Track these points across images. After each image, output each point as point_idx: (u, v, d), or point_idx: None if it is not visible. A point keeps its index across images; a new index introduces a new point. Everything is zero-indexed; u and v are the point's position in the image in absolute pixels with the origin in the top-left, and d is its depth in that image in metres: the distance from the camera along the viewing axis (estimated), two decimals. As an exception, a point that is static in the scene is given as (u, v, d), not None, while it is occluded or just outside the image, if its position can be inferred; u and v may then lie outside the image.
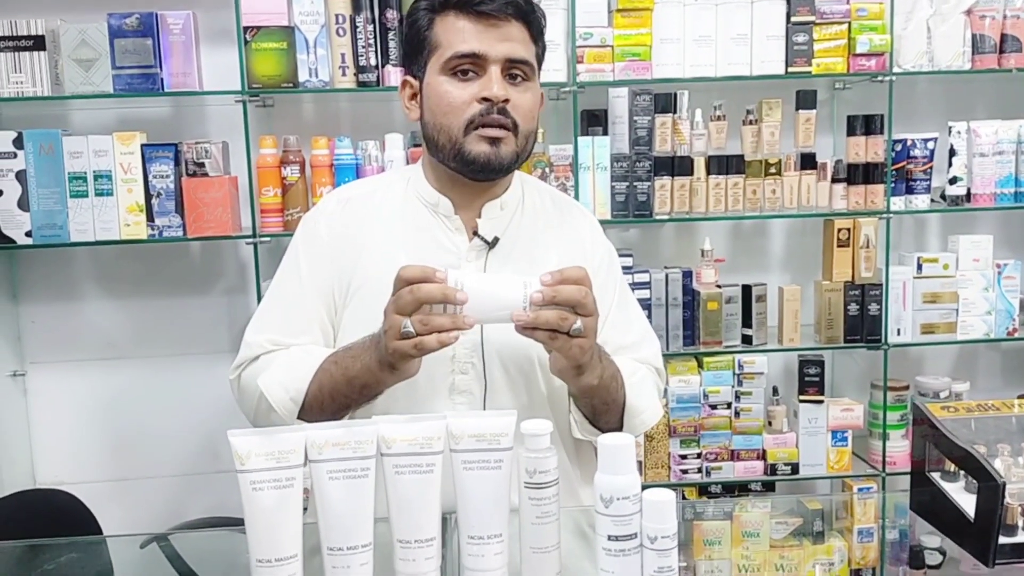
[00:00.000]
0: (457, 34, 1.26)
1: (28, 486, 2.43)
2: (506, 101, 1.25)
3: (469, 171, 1.28)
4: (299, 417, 1.26)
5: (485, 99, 1.25)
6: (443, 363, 1.29)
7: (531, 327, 1.11)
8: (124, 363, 2.50)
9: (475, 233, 1.33)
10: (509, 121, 1.26)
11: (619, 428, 1.32)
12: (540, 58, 1.34)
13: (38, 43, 2.17)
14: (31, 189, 2.17)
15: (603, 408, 1.30)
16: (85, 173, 2.18)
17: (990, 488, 1.04)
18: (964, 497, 1.12)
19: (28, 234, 2.19)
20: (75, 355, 2.49)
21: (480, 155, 1.26)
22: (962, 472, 1.16)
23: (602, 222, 1.52)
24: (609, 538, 0.95)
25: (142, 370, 2.50)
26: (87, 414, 2.51)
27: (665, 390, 2.37)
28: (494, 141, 1.26)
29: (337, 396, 1.24)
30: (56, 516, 2.03)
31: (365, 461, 0.97)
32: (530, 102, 1.29)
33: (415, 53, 1.32)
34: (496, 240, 1.32)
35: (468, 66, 1.26)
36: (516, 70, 1.28)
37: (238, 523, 1.01)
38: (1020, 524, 1.09)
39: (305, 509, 1.00)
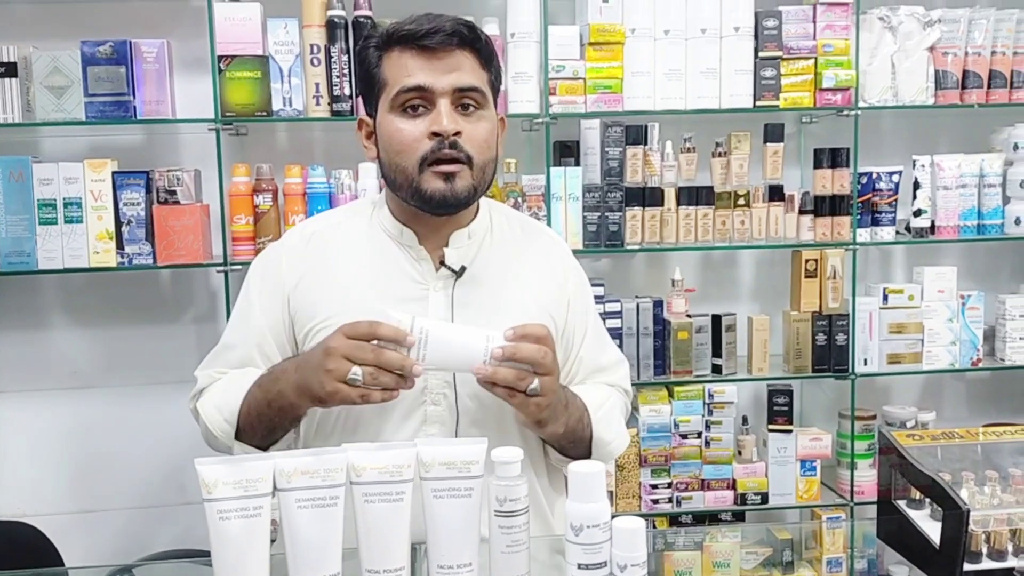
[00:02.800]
0: (403, 69, 1.26)
1: (-11, 518, 2.39)
2: (457, 134, 1.25)
3: (427, 207, 1.28)
4: (238, 439, 1.28)
5: (435, 134, 1.24)
6: (415, 394, 1.28)
7: (490, 382, 1.15)
8: (91, 392, 2.46)
9: (442, 262, 1.33)
10: (462, 155, 1.25)
11: (588, 456, 1.34)
12: (494, 84, 1.33)
13: (10, 69, 2.15)
14: (-1, 216, 2.15)
15: (570, 446, 1.33)
16: (55, 200, 2.16)
17: (955, 516, 1.05)
18: (930, 525, 1.13)
19: (-5, 261, 2.16)
20: (41, 384, 2.45)
21: (436, 192, 1.26)
22: (928, 500, 1.17)
23: (574, 252, 1.53)
24: (579, 567, 0.95)
25: (109, 399, 2.46)
26: (51, 444, 2.46)
27: (636, 419, 2.38)
28: (448, 177, 1.25)
29: (262, 418, 1.25)
30: (18, 549, 1.99)
31: (334, 489, 0.97)
32: (484, 131, 1.29)
33: (367, 92, 1.33)
34: (463, 269, 1.32)
35: (417, 100, 1.26)
36: (467, 99, 1.27)
37: (204, 555, 1.00)
38: (984, 551, 1.11)
39: (273, 541, 0.99)
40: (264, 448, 1.28)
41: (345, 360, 1.13)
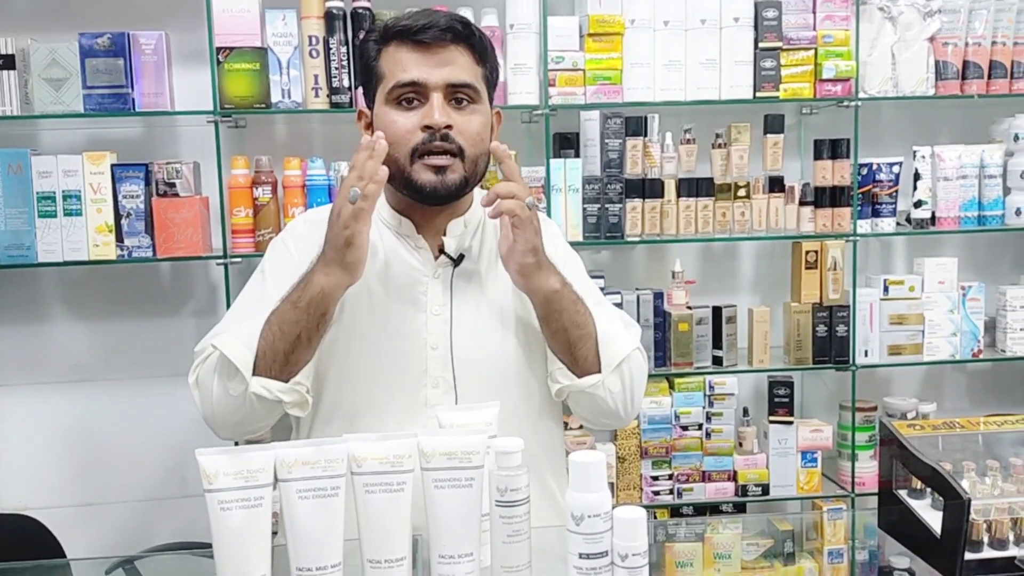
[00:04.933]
0: (399, 64, 1.29)
1: (-10, 511, 2.39)
2: (449, 127, 1.27)
3: (419, 198, 1.31)
4: (256, 373, 1.23)
5: (427, 127, 1.27)
6: (416, 377, 1.32)
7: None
8: (91, 385, 2.46)
9: (441, 250, 1.36)
10: (454, 147, 1.28)
11: (598, 366, 1.31)
12: (490, 79, 1.35)
13: (8, 62, 2.15)
14: (-2, 209, 2.14)
15: (577, 333, 1.29)
16: (54, 193, 2.15)
17: (956, 505, 1.05)
18: (931, 514, 1.13)
19: (-6, 254, 2.16)
20: (41, 377, 2.45)
21: (427, 183, 1.29)
22: (929, 490, 1.17)
23: (574, 243, 1.54)
24: (580, 556, 0.95)
25: (109, 392, 2.46)
26: (52, 437, 2.46)
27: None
28: (439, 169, 1.28)
29: (287, 327, 1.22)
30: (20, 541, 1.99)
31: (335, 480, 0.97)
32: (477, 124, 1.31)
33: (367, 84, 1.36)
34: (462, 257, 1.35)
35: (411, 94, 1.29)
36: (460, 94, 1.30)
37: (206, 547, 1.00)
38: (986, 540, 1.11)
39: (274, 534, 0.99)
40: (284, 380, 1.23)
41: (341, 198, 1.19)
